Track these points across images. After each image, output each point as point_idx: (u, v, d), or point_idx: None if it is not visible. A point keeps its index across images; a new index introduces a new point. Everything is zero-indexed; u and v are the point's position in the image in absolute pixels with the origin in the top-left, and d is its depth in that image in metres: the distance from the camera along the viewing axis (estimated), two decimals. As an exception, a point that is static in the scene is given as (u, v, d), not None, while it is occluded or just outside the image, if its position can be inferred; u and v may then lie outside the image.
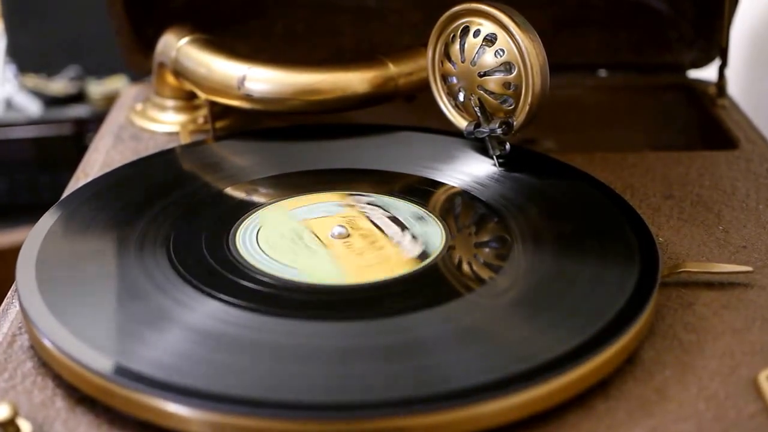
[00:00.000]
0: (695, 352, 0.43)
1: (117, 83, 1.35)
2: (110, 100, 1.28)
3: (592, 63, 0.81)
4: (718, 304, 0.47)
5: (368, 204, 0.53)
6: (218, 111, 0.68)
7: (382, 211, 0.53)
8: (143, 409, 0.39)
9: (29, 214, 1.25)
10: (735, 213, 0.56)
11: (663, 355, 0.43)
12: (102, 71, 1.35)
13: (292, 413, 0.37)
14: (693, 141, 0.76)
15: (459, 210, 0.54)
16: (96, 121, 1.28)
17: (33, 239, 0.49)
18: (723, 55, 0.73)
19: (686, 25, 0.79)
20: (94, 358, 0.40)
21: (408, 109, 0.67)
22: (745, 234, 0.54)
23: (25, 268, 0.46)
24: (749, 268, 0.49)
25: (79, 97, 1.34)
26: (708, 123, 0.73)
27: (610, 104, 0.80)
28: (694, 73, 0.80)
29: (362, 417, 0.37)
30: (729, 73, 0.74)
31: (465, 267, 0.48)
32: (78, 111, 1.32)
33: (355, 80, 0.62)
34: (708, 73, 0.79)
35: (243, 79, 0.62)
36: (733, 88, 0.77)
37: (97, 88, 1.34)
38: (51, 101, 1.33)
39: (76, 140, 1.30)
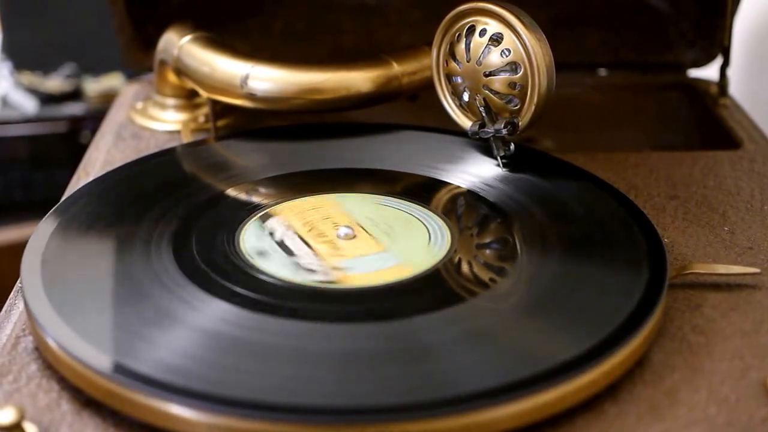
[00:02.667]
0: (704, 354, 0.43)
1: (113, 81, 1.34)
2: (106, 97, 1.28)
3: (592, 62, 0.81)
4: (726, 306, 0.47)
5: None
6: (219, 109, 0.67)
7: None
8: (150, 412, 0.38)
9: (23, 212, 1.25)
10: (740, 214, 0.56)
11: (672, 357, 0.43)
12: (98, 69, 1.35)
13: (297, 417, 0.37)
14: (694, 141, 0.76)
15: (462, 211, 0.54)
16: (91, 118, 1.28)
17: (37, 239, 0.49)
18: (725, 54, 0.72)
19: (687, 24, 0.78)
20: (100, 359, 0.40)
21: (410, 109, 0.66)
22: (750, 235, 0.54)
23: (30, 269, 0.46)
24: (757, 270, 0.49)
25: (74, 95, 1.33)
26: (709, 123, 0.73)
27: (610, 104, 0.80)
28: (695, 73, 0.80)
29: (367, 421, 0.37)
30: (730, 72, 0.74)
31: (469, 270, 0.48)
32: (73, 109, 1.31)
33: (359, 79, 0.61)
34: (709, 72, 0.78)
35: (246, 78, 0.61)
36: (734, 88, 0.77)
37: (92, 86, 1.33)
38: (47, 99, 1.32)
39: (72, 138, 1.29)
